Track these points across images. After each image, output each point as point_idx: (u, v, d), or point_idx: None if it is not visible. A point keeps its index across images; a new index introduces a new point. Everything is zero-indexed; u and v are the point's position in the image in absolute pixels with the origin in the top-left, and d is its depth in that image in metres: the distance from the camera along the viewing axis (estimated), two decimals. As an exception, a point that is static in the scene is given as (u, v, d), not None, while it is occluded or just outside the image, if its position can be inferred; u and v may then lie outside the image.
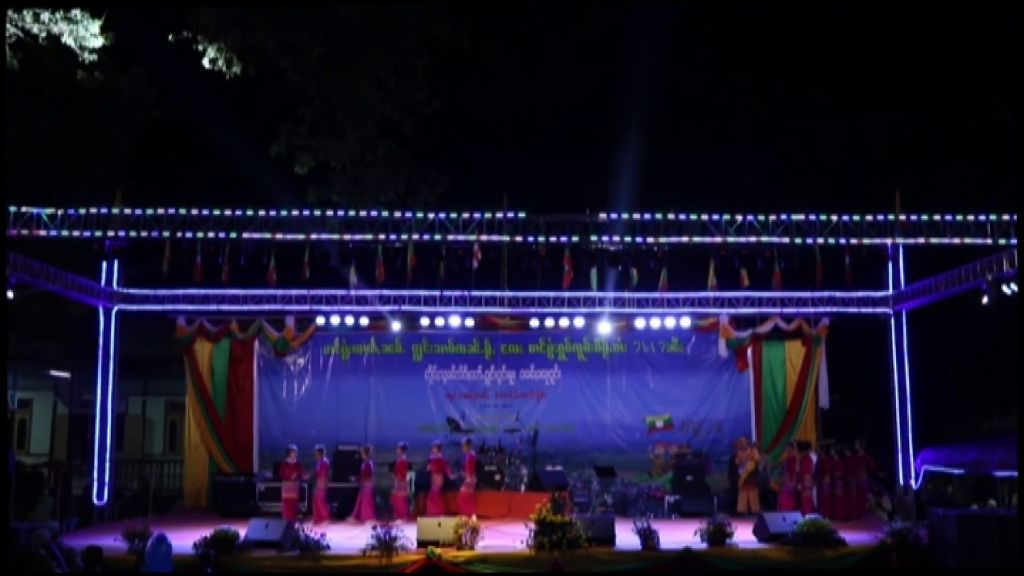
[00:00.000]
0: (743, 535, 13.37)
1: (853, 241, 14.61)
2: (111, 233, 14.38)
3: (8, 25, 13.94)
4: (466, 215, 14.46)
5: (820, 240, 14.60)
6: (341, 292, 17.71)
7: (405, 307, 17.89)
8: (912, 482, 17.28)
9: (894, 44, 25.49)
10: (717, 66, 26.66)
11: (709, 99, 26.55)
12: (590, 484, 17.12)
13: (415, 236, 14.45)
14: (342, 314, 18.04)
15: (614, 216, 14.56)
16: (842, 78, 26.25)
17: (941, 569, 12.73)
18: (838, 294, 18.08)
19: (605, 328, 18.52)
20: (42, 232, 14.13)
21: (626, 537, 13.05)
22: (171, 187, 18.09)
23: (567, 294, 17.66)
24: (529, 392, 19.51)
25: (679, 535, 13.30)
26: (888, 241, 14.90)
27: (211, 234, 14.35)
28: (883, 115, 25.55)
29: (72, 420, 20.57)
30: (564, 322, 18.30)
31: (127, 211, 14.41)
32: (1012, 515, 12.84)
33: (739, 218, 14.56)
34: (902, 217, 14.56)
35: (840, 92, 26.42)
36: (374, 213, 14.81)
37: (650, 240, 14.55)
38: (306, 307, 18.20)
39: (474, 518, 13.89)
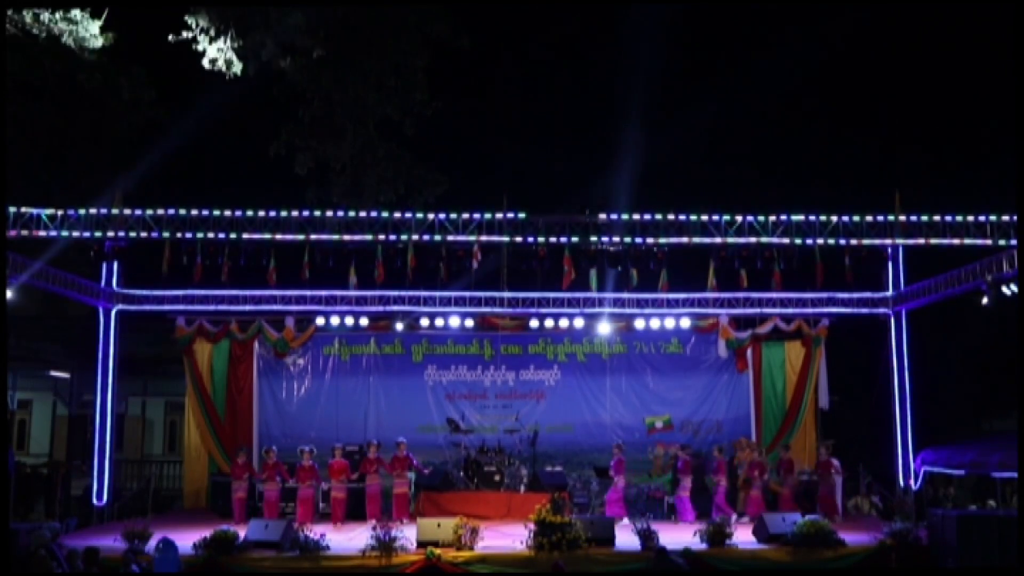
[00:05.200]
0: (743, 536, 13.38)
1: (853, 242, 14.62)
2: (111, 233, 14.38)
3: (8, 25, 13.88)
4: (466, 215, 14.46)
5: (820, 241, 14.60)
6: (341, 292, 17.70)
7: (405, 307, 17.91)
8: (912, 483, 17.29)
9: (894, 43, 25.51)
10: (716, 66, 26.68)
11: (707, 99, 26.54)
12: (590, 485, 17.13)
13: (415, 236, 14.45)
14: (342, 314, 18.06)
15: (614, 216, 14.56)
16: (842, 78, 26.26)
17: (941, 569, 12.73)
18: (838, 295, 18.10)
19: (604, 328, 18.55)
20: (42, 232, 14.12)
21: (626, 538, 13.06)
22: (171, 187, 18.07)
23: (567, 294, 17.68)
24: (529, 393, 19.51)
25: (679, 535, 13.32)
26: (888, 241, 14.91)
27: (211, 234, 14.36)
28: (883, 115, 25.58)
29: (72, 420, 20.58)
30: (564, 323, 18.32)
31: (127, 211, 14.41)
32: (1012, 516, 12.84)
33: (739, 219, 14.56)
34: (902, 217, 14.56)
35: (840, 92, 26.45)
36: (374, 213, 14.82)
37: (650, 240, 14.55)
38: (306, 307, 18.22)
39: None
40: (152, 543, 12.24)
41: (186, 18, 14.71)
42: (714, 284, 16.17)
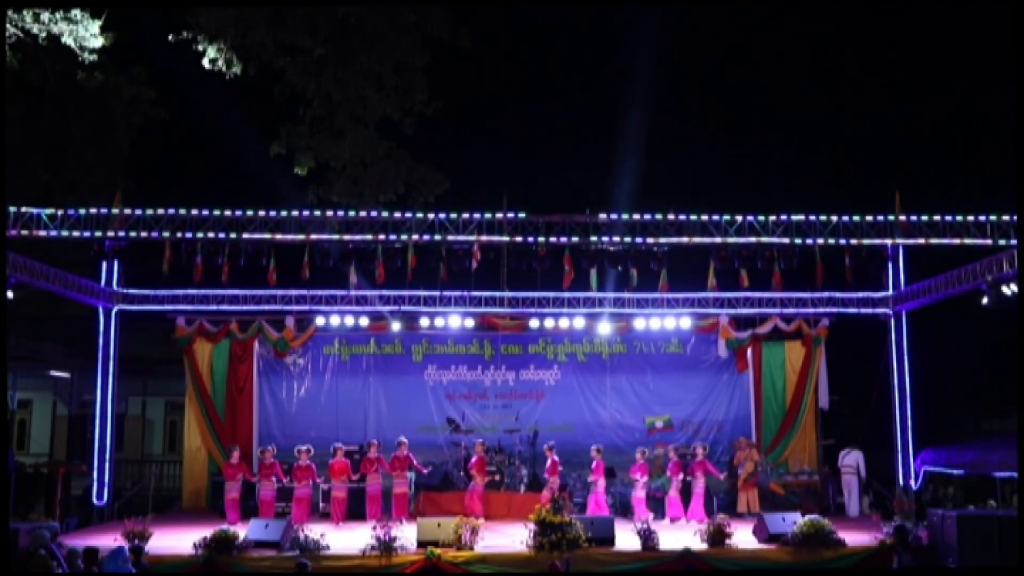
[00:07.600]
0: (743, 535, 13.38)
1: (853, 241, 14.61)
2: (111, 233, 14.38)
3: (8, 25, 13.88)
4: (466, 215, 14.46)
5: (820, 240, 14.60)
6: (341, 292, 17.71)
7: (405, 307, 17.91)
8: (912, 482, 17.29)
9: (894, 43, 25.52)
10: (715, 67, 26.68)
11: (708, 99, 26.57)
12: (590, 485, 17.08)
13: (415, 236, 14.45)
14: (342, 314, 18.07)
15: (614, 216, 14.56)
16: (841, 77, 26.28)
17: (941, 569, 12.73)
18: (838, 294, 18.12)
19: (605, 328, 18.56)
20: (42, 232, 14.13)
21: (626, 537, 13.06)
22: (171, 187, 18.10)
23: (567, 294, 17.69)
24: (529, 392, 19.52)
25: (679, 535, 13.32)
26: (888, 241, 14.90)
27: (211, 234, 14.36)
28: (883, 114, 25.58)
29: (72, 420, 20.56)
30: (564, 322, 18.32)
31: (127, 211, 14.41)
32: (1012, 515, 12.85)
33: (739, 218, 14.56)
34: (902, 217, 14.55)
35: (840, 91, 26.46)
36: (374, 213, 14.82)
37: (650, 240, 14.55)
38: (306, 307, 18.23)
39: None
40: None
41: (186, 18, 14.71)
42: (714, 284, 16.18)
